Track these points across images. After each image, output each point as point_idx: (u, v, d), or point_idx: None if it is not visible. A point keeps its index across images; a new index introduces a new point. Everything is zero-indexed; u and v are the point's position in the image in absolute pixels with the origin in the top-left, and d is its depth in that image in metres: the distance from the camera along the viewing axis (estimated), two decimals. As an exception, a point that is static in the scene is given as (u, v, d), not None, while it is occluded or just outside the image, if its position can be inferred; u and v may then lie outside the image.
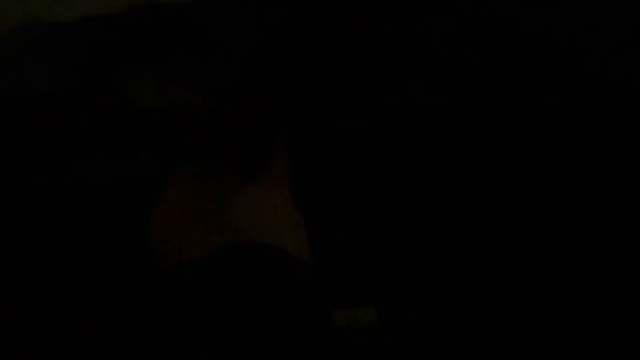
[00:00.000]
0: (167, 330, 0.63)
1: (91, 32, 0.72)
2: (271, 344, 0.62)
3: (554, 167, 0.84)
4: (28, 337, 0.75)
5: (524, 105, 0.85)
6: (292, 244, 0.67)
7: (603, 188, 0.83)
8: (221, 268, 0.63)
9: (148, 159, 0.78)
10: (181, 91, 0.76)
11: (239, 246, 0.64)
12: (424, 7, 0.86)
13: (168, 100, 0.75)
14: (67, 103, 0.76)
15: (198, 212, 0.67)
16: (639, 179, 0.82)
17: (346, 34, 0.86)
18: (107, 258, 0.78)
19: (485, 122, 0.85)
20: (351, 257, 0.82)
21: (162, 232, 0.68)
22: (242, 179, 0.70)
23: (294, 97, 0.82)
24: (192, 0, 0.72)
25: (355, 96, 0.85)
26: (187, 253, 0.66)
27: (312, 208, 0.76)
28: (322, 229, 0.79)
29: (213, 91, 0.76)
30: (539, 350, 0.80)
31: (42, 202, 0.78)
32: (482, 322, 0.79)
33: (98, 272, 0.78)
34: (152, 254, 0.68)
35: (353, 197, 0.84)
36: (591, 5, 0.84)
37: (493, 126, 0.85)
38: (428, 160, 0.84)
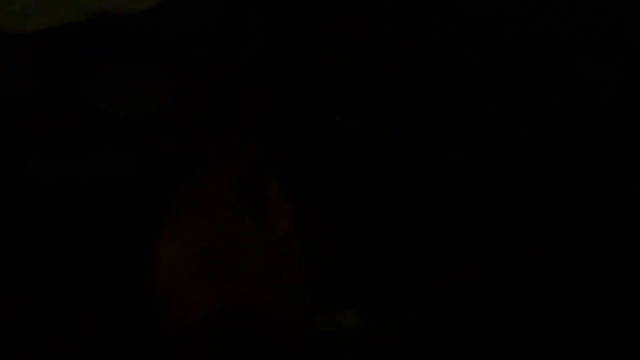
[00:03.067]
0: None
1: (54, 38, 0.72)
2: None
3: (553, 169, 0.84)
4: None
5: (523, 105, 0.85)
6: (293, 310, 0.61)
7: (602, 189, 0.83)
8: (216, 336, 0.57)
9: (112, 159, 0.77)
10: (144, 96, 0.77)
11: (235, 312, 0.58)
12: (423, 7, 0.86)
13: (132, 106, 0.76)
14: (29, 106, 0.76)
15: (203, 260, 0.60)
16: (638, 180, 0.83)
17: (341, 36, 0.86)
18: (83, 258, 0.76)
19: (484, 123, 0.85)
20: (334, 258, 0.82)
21: (169, 289, 0.60)
22: (247, 214, 0.64)
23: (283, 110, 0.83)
24: (151, 10, 0.72)
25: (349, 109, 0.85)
26: (190, 314, 0.59)
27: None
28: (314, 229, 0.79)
29: (177, 95, 0.77)
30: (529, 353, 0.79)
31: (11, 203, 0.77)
32: (472, 324, 0.79)
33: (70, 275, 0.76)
34: (157, 310, 0.62)
35: (340, 197, 0.83)
36: (589, 6, 0.85)
37: (492, 127, 0.85)
38: (424, 161, 0.84)
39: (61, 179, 0.75)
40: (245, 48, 0.79)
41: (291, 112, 0.83)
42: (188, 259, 0.60)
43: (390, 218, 0.83)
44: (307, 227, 0.73)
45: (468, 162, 0.85)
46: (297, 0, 0.84)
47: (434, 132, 0.85)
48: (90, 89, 0.77)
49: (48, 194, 0.75)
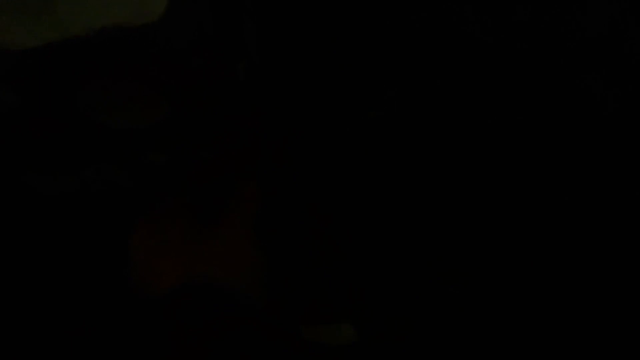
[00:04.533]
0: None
1: (49, 53, 0.74)
2: None
3: (552, 178, 0.85)
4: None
5: (521, 107, 0.86)
6: (246, 283, 0.78)
7: (602, 190, 0.84)
8: (179, 306, 0.77)
9: (107, 172, 0.80)
10: (140, 110, 0.78)
11: (194, 286, 0.78)
12: (416, 11, 0.88)
13: (128, 119, 0.78)
14: (25, 120, 0.79)
15: (169, 247, 0.79)
16: (637, 181, 0.83)
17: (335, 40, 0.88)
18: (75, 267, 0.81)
19: (481, 127, 0.86)
20: (327, 271, 0.82)
21: (141, 262, 0.78)
22: (208, 219, 0.81)
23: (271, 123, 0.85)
24: (142, 26, 0.75)
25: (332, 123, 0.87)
26: (158, 284, 0.77)
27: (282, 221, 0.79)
28: (296, 243, 0.81)
29: (173, 108, 0.79)
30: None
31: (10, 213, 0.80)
32: (470, 336, 0.79)
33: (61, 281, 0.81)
34: (129, 278, 0.78)
35: (331, 203, 0.84)
36: (590, 19, 0.86)
37: (489, 138, 0.86)
38: (424, 164, 0.85)
39: (56, 191, 0.79)
40: (242, 57, 0.81)
41: (288, 115, 0.85)
42: (158, 247, 0.78)
43: (368, 232, 0.84)
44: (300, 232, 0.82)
45: (458, 174, 0.86)
46: (290, 6, 0.86)
47: (436, 142, 0.87)
48: (85, 102, 0.78)
49: (43, 204, 0.78)
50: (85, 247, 0.80)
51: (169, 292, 0.77)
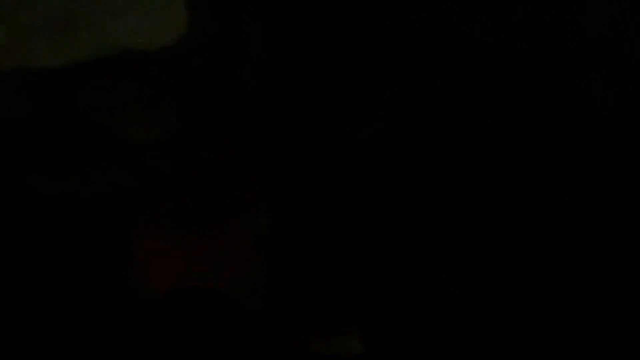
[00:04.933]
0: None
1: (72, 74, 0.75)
2: None
3: (553, 170, 0.85)
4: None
5: (521, 107, 0.86)
6: (246, 285, 0.80)
7: (602, 190, 0.84)
8: (179, 306, 0.80)
9: (112, 176, 0.81)
10: (148, 116, 0.78)
11: (195, 287, 0.80)
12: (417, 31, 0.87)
13: (136, 125, 0.78)
14: (33, 125, 0.80)
15: (171, 248, 0.81)
16: (636, 180, 0.83)
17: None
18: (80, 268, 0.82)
19: (480, 127, 0.86)
20: (332, 282, 0.82)
21: (143, 262, 0.80)
22: (210, 221, 0.82)
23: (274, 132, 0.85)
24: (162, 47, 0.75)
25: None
26: (159, 285, 0.80)
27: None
28: (301, 254, 0.81)
29: (181, 115, 0.79)
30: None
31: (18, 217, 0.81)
32: (476, 347, 0.79)
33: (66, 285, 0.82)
34: (130, 278, 0.80)
35: (332, 206, 0.85)
36: (590, 22, 0.86)
37: (486, 131, 0.86)
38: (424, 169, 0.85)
39: (60, 192, 0.79)
40: (247, 60, 0.81)
41: (290, 116, 0.85)
42: (160, 247, 0.80)
43: (373, 242, 0.84)
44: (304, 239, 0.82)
45: (466, 170, 0.86)
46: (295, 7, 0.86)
47: (436, 142, 0.87)
48: (89, 105, 0.78)
49: (46, 205, 0.79)
50: (87, 248, 0.81)
51: (170, 293, 0.79)
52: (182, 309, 0.80)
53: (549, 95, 0.87)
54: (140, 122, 0.79)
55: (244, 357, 0.79)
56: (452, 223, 0.85)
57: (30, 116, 0.76)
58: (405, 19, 0.89)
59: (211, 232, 0.82)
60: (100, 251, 0.81)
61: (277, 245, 0.83)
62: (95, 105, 0.77)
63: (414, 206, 0.85)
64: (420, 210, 0.85)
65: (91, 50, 0.73)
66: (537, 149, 0.86)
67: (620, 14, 0.87)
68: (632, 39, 0.87)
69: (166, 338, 0.79)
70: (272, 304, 0.81)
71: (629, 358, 0.79)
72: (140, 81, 0.78)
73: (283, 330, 0.81)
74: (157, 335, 0.79)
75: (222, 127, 0.82)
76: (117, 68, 0.76)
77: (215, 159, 0.82)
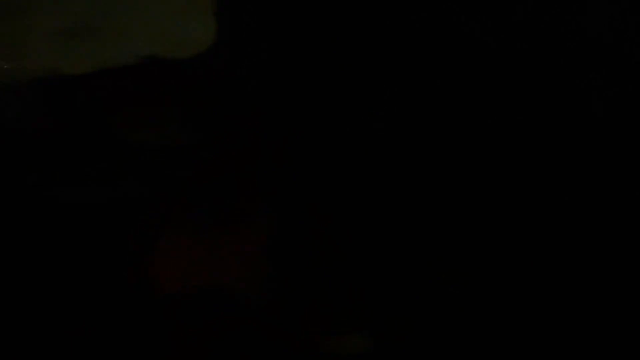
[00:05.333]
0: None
1: (97, 82, 0.75)
2: None
3: (552, 170, 0.85)
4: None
5: (521, 106, 0.87)
6: (255, 288, 0.82)
7: (601, 190, 0.85)
8: (190, 307, 0.82)
9: (131, 185, 0.82)
10: (167, 127, 0.79)
11: (205, 290, 0.82)
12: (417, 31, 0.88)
13: (155, 136, 0.78)
14: (55, 136, 0.81)
15: (187, 251, 0.84)
16: (636, 180, 0.84)
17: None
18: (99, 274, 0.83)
19: (480, 127, 0.87)
20: (340, 280, 0.83)
21: (159, 264, 0.82)
22: (224, 226, 0.84)
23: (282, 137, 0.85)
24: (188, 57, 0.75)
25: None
26: (171, 284, 0.82)
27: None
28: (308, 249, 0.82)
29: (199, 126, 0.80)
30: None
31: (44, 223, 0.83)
32: (484, 346, 0.80)
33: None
34: (149, 277, 0.82)
35: (343, 213, 0.85)
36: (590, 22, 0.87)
37: (486, 131, 0.87)
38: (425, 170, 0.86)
39: (83, 202, 0.80)
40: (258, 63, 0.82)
41: (292, 116, 0.86)
42: (172, 252, 0.83)
43: (380, 243, 0.85)
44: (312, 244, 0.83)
45: (466, 170, 0.87)
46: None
47: (435, 142, 0.87)
48: (114, 119, 0.78)
49: (70, 214, 0.80)
50: (102, 250, 0.83)
51: (181, 293, 0.81)
52: (192, 308, 0.81)
53: (548, 95, 0.88)
54: (158, 129, 0.79)
55: (253, 357, 0.80)
56: (454, 223, 0.85)
57: (50, 124, 0.77)
58: (405, 19, 0.89)
59: (221, 233, 0.82)
60: (115, 254, 0.82)
61: (286, 245, 0.83)
62: (115, 112, 0.78)
63: (419, 204, 0.86)
64: (424, 208, 0.86)
65: (115, 58, 0.73)
66: (536, 149, 0.87)
67: (620, 14, 0.88)
68: (632, 40, 0.88)
69: (177, 337, 0.80)
70: (281, 304, 0.82)
71: (629, 358, 0.80)
72: (162, 89, 0.78)
73: (292, 330, 0.81)
74: (168, 334, 0.80)
75: (232, 132, 0.83)
76: (140, 75, 0.76)
77: (225, 163, 0.83)
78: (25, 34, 0.74)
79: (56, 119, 0.78)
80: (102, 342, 0.80)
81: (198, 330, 0.80)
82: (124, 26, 0.76)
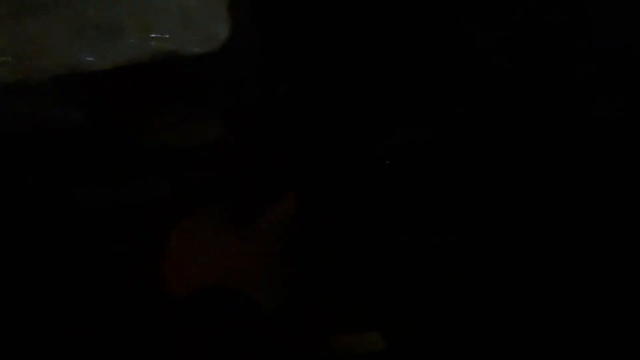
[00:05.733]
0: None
1: (117, 79, 0.73)
2: None
3: (555, 173, 0.88)
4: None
5: (523, 109, 0.88)
6: (259, 291, 0.82)
7: (604, 194, 0.87)
8: (203, 307, 0.81)
9: (153, 188, 0.82)
10: (190, 129, 0.78)
11: (216, 290, 0.81)
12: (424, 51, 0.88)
13: (178, 138, 0.78)
14: (86, 138, 0.80)
15: (202, 251, 0.83)
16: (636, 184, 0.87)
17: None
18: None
19: (481, 127, 0.88)
20: (352, 279, 0.84)
21: (174, 263, 0.82)
22: (239, 231, 0.84)
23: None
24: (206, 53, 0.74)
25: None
26: (187, 284, 0.81)
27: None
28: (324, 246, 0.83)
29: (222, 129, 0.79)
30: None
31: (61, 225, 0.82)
32: (495, 344, 0.82)
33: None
34: (161, 277, 0.81)
35: (354, 214, 0.86)
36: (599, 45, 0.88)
37: (487, 131, 0.88)
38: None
39: (106, 206, 0.80)
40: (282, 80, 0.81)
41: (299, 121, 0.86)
42: (192, 250, 0.82)
43: (392, 241, 0.87)
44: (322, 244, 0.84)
45: (467, 171, 0.88)
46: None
47: (436, 142, 0.89)
48: (138, 120, 0.77)
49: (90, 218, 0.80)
50: (120, 250, 0.83)
51: (196, 293, 0.81)
52: (204, 308, 0.80)
53: (552, 98, 0.90)
54: (175, 128, 0.78)
55: (265, 357, 0.80)
56: (460, 223, 0.87)
57: (75, 124, 0.75)
58: (405, 19, 0.90)
59: (233, 233, 0.82)
60: (126, 254, 0.81)
61: (298, 245, 0.84)
62: (136, 111, 0.76)
63: (431, 208, 0.87)
64: (434, 212, 0.87)
65: (136, 55, 0.72)
66: (539, 152, 0.89)
67: (625, 17, 0.90)
68: (637, 43, 0.90)
69: (189, 337, 0.80)
70: (293, 304, 0.82)
71: (629, 358, 0.83)
72: (182, 86, 0.77)
73: (305, 329, 0.82)
74: (179, 335, 0.80)
75: (249, 130, 0.83)
76: (161, 72, 0.75)
77: (242, 162, 0.83)
78: (46, 31, 0.72)
79: (76, 117, 0.76)
80: (112, 343, 0.80)
81: (210, 331, 0.80)
82: (145, 22, 0.74)
